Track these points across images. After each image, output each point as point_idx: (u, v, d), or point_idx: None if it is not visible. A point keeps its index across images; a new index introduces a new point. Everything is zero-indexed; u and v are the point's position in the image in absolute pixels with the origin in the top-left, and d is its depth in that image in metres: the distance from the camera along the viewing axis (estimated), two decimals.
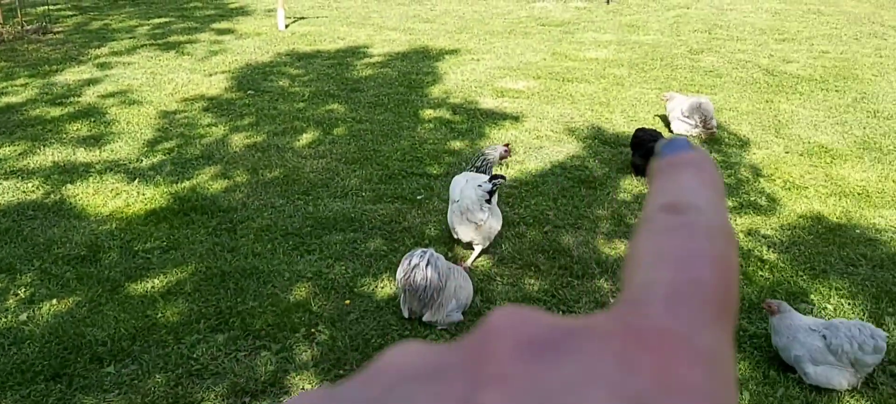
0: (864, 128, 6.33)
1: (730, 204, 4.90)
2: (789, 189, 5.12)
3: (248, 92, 7.31)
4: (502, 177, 4.20)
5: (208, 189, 5.10)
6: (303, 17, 11.12)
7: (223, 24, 10.58)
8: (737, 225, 4.64)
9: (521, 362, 0.24)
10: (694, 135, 5.95)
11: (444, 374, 0.25)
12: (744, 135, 6.16)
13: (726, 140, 6.05)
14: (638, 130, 5.38)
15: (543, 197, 5.04)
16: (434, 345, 0.27)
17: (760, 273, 4.09)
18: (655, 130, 5.28)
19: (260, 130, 6.24)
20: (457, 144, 5.99)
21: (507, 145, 4.78)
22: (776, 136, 6.14)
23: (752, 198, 5.00)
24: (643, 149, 5.13)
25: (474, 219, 3.99)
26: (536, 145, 5.99)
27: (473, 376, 0.24)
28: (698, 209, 0.27)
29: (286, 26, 10.27)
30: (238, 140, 6.01)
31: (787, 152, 5.78)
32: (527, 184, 5.23)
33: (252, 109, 6.78)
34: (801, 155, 5.73)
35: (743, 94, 7.28)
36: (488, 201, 4.00)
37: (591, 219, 4.74)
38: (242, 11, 11.75)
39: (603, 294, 3.90)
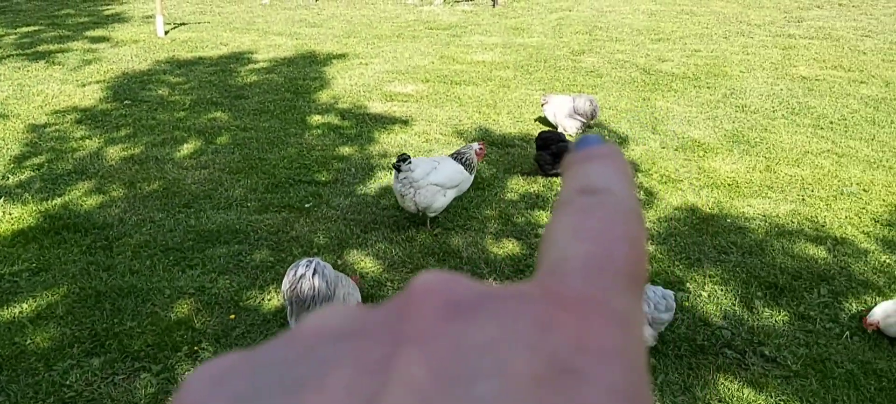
0: (733, 122, 6.69)
1: None
2: (665, 182, 5.35)
3: (125, 102, 7.00)
4: (407, 156, 4.38)
5: (82, 205, 4.85)
6: (183, 23, 10.77)
7: (97, 32, 10.10)
8: None
9: (442, 322, 0.24)
10: (579, 131, 6.13)
11: (365, 334, 0.25)
12: (623, 132, 6.39)
13: (606, 137, 6.25)
14: (542, 132, 5.50)
15: None
16: (356, 308, 0.27)
17: None
18: (558, 132, 5.38)
19: (138, 142, 5.98)
20: (346, 150, 5.94)
21: (481, 143, 4.88)
22: (653, 133, 6.40)
23: None
24: (550, 148, 5.27)
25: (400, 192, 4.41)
26: (426, 148, 6.01)
27: (394, 335, 0.25)
28: (611, 192, 0.29)
29: (166, 33, 9.91)
30: (114, 153, 5.75)
31: (663, 147, 6.04)
32: None
33: (129, 120, 6.49)
34: (676, 149, 6.00)
35: (621, 93, 7.56)
36: (398, 173, 4.35)
37: (480, 220, 4.79)
38: (118, 18, 11.26)
39: None
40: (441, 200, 4.48)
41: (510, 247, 4.43)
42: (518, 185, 5.30)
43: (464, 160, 4.60)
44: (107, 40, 9.60)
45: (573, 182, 0.30)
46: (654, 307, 3.38)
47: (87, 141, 5.99)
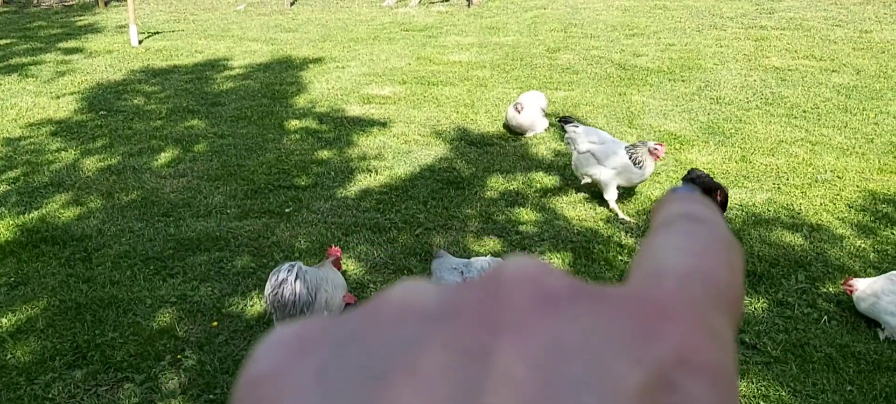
0: (708, 114, 6.76)
1: (589, 193, 5.11)
2: None
3: (101, 112, 6.95)
4: (569, 118, 5.07)
5: (59, 218, 4.82)
6: (157, 32, 10.70)
7: (71, 43, 10.01)
8: (596, 213, 4.84)
9: (538, 313, 0.23)
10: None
11: (456, 316, 0.24)
12: (599, 128, 6.43)
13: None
14: (692, 171, 4.52)
15: (413, 200, 5.08)
16: (442, 287, 0.26)
17: (620, 257, 4.29)
18: (707, 174, 4.44)
19: (114, 152, 5.94)
20: (324, 154, 5.93)
21: (660, 144, 4.82)
22: (629, 127, 6.45)
23: None
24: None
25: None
26: (405, 150, 6.02)
27: (488, 322, 0.23)
28: (715, 223, 0.29)
29: (140, 42, 9.85)
30: (91, 164, 5.70)
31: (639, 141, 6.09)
32: (396, 190, 5.25)
33: (105, 131, 6.45)
34: None
35: (598, 89, 7.61)
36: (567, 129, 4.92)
37: (461, 219, 4.81)
38: (92, 29, 11.16)
39: None
40: (597, 171, 4.73)
41: (491, 244, 4.46)
42: (498, 183, 5.32)
43: (631, 156, 4.64)
44: (80, 51, 9.52)
45: (677, 208, 0.30)
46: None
47: (63, 153, 5.94)
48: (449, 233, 4.62)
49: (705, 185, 4.02)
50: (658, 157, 4.67)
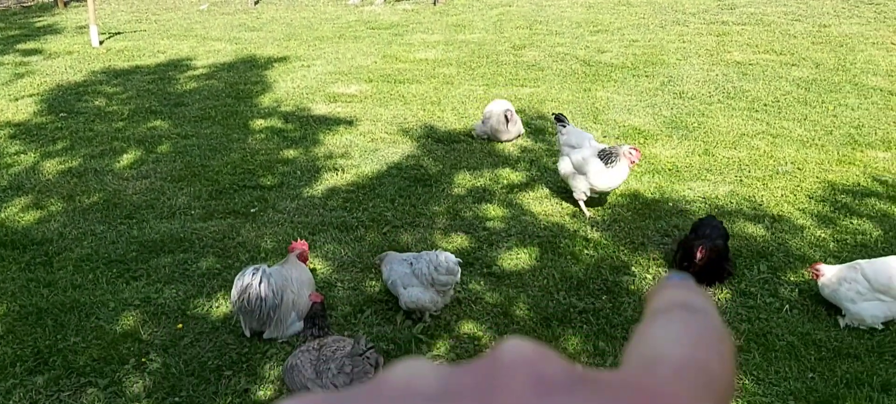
0: (672, 108, 6.84)
1: (555, 188, 5.14)
2: None
3: (61, 114, 6.83)
4: (562, 116, 5.05)
5: (18, 221, 4.72)
6: (119, 32, 10.53)
7: (29, 45, 9.81)
8: (562, 208, 4.88)
9: (535, 398, 0.24)
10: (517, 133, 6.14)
11: (456, 399, 0.25)
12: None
13: (550, 129, 6.34)
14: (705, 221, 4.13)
15: (381, 198, 5.06)
16: (441, 366, 0.27)
17: (586, 251, 4.32)
18: (717, 221, 4.11)
19: (75, 154, 5.84)
20: (290, 153, 5.89)
21: (634, 148, 4.63)
22: (595, 122, 6.50)
23: None
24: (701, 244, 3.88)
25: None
26: (371, 148, 6.00)
27: None
28: (709, 314, 0.30)
29: (101, 42, 9.69)
30: (51, 166, 5.60)
31: (604, 136, 6.14)
32: (364, 188, 5.23)
33: (65, 133, 6.33)
34: (618, 138, 6.10)
35: (563, 85, 7.65)
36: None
37: (428, 216, 4.81)
38: (51, 30, 10.95)
39: None
40: (562, 164, 4.76)
41: (459, 241, 4.46)
42: (464, 180, 5.33)
43: (605, 153, 4.56)
44: (39, 53, 9.34)
45: (672, 296, 0.31)
46: (434, 268, 3.60)
47: (22, 155, 5.82)
48: (416, 230, 4.61)
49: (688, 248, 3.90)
50: (633, 162, 4.54)
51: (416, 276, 3.62)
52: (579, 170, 4.64)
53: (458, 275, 3.69)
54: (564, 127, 4.95)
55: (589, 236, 4.49)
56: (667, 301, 0.31)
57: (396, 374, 0.27)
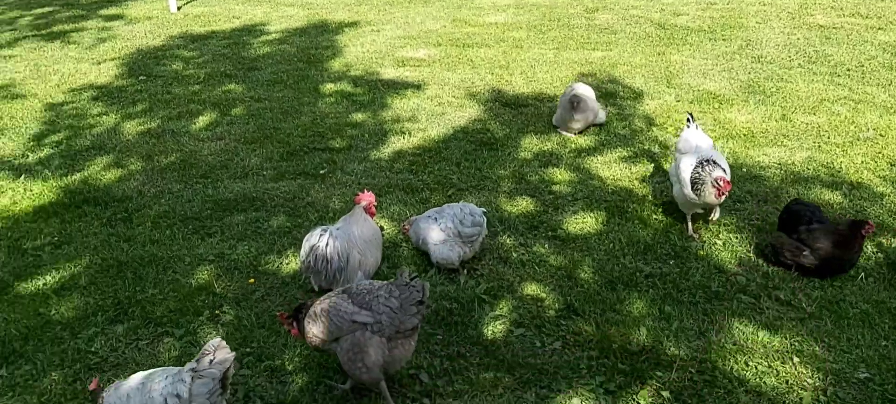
0: (749, 73, 6.62)
1: (625, 153, 5.06)
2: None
3: (140, 78, 7.06)
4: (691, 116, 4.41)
5: (101, 179, 4.93)
6: None
7: (111, 11, 10.14)
8: (631, 173, 4.80)
9: None
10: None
11: None
12: (637, 88, 6.34)
13: (621, 93, 6.22)
14: (793, 203, 3.94)
15: (447, 161, 5.08)
16: None
17: (654, 216, 4.25)
18: (813, 206, 3.88)
19: (154, 116, 6.04)
20: (359, 116, 5.96)
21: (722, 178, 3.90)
22: (668, 87, 6.34)
23: (646, 147, 5.17)
24: (800, 228, 3.67)
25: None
26: (439, 112, 6.02)
27: None
28: None
29: (178, 8, 9.94)
30: (131, 127, 5.81)
31: (677, 101, 5.99)
32: (430, 151, 5.26)
33: (145, 95, 6.55)
34: (692, 102, 5.95)
35: (636, 49, 7.48)
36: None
37: (494, 180, 4.80)
38: None
39: (505, 250, 3.97)
40: (671, 170, 4.24)
41: (524, 204, 4.45)
42: (531, 144, 5.29)
43: (697, 174, 3.91)
44: (120, 18, 9.65)
45: None
46: (459, 221, 3.63)
47: (104, 117, 6.06)
48: (481, 193, 4.62)
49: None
50: (720, 193, 3.85)
51: (443, 231, 3.67)
52: (672, 177, 4.21)
53: (485, 226, 3.71)
54: (688, 127, 4.38)
55: (658, 201, 4.41)
56: None
57: None
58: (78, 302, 3.59)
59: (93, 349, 3.25)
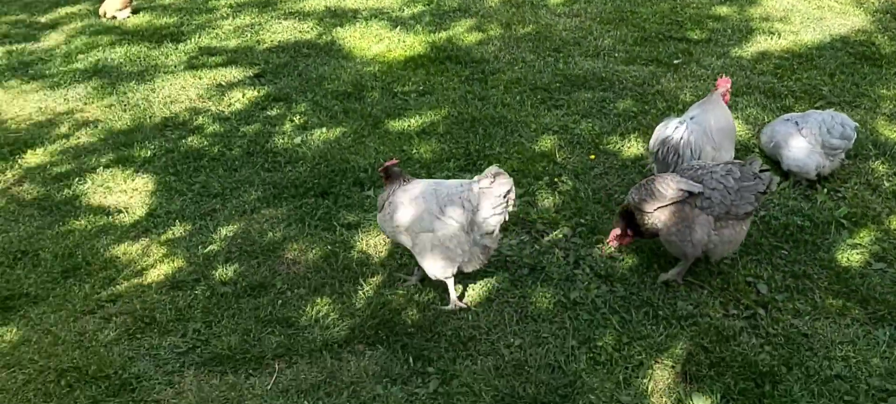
0: None
1: None
2: None
3: None
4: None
5: (463, 40, 5.23)
6: None
7: None
8: None
9: None
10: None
11: None
12: None
13: None
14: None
15: (818, 70, 4.58)
16: None
17: None
18: None
19: None
20: (723, 10, 5.56)
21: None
22: None
23: None
24: None
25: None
26: (816, 16, 5.40)
27: None
28: None
29: None
30: None
31: None
32: (799, 57, 4.77)
33: None
34: None
35: None
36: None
37: (873, 98, 4.24)
38: None
39: (876, 176, 3.51)
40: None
41: None
42: None
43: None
44: None
45: None
46: (827, 131, 3.30)
47: None
48: (856, 111, 4.09)
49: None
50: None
51: (804, 137, 3.35)
52: None
53: (852, 142, 3.37)
54: None
55: None
56: None
57: None
58: (435, 146, 3.90)
59: None
